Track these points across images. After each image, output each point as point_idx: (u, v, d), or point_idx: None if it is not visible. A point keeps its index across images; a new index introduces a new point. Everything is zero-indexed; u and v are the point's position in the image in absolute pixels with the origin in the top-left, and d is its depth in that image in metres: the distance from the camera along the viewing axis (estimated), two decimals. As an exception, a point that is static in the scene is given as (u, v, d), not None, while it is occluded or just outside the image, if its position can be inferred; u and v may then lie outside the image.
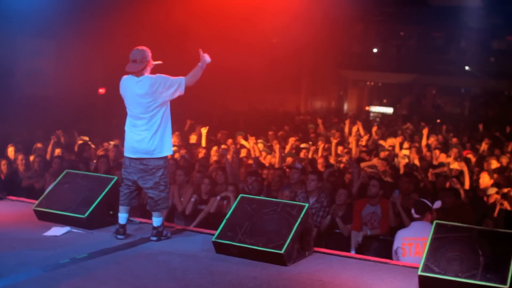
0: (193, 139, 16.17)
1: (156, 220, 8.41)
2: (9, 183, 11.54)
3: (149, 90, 8.04)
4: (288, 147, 15.25)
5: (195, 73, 8.26)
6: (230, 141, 15.86)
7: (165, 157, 8.37)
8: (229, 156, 12.15)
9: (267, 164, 13.38)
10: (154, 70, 8.33)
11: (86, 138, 14.69)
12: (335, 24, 28.23)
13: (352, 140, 16.18)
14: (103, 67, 19.81)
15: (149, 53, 8.19)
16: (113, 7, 18.56)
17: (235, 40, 21.42)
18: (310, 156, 14.54)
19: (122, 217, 8.42)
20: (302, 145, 15.77)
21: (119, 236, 8.33)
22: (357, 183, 11.05)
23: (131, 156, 8.28)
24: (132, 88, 8.15)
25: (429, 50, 32.08)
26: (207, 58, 8.34)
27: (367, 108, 33.09)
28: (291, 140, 15.71)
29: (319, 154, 14.93)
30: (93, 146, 13.65)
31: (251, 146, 15.04)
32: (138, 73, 8.12)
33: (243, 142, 15.83)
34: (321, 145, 15.96)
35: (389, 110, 32.90)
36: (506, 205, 10.82)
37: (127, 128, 8.33)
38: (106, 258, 7.56)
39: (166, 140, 8.27)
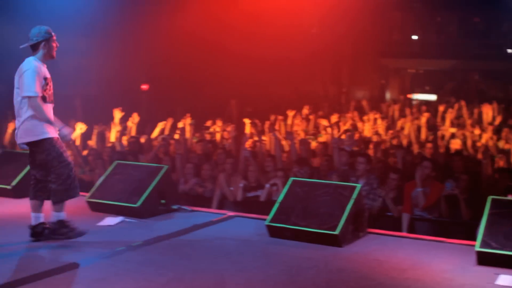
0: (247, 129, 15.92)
1: (55, 215, 7.50)
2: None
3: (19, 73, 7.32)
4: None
5: (41, 114, 7.21)
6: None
7: (48, 149, 7.31)
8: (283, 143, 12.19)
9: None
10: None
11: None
12: (373, 12, 28.03)
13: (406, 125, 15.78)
14: (145, 63, 19.94)
15: (46, 33, 7.39)
16: (153, 4, 18.67)
17: (274, 32, 21.40)
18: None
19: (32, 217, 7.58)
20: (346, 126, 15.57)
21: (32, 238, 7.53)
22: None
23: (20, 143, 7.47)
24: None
25: (470, 35, 31.71)
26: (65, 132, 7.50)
27: (409, 95, 32.78)
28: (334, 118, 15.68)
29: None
30: (141, 140, 13.72)
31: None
32: (32, 52, 7.41)
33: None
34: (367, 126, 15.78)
35: (432, 97, 32.54)
36: None
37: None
38: (161, 245, 7.61)
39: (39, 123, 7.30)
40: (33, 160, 7.45)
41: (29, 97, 7.18)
